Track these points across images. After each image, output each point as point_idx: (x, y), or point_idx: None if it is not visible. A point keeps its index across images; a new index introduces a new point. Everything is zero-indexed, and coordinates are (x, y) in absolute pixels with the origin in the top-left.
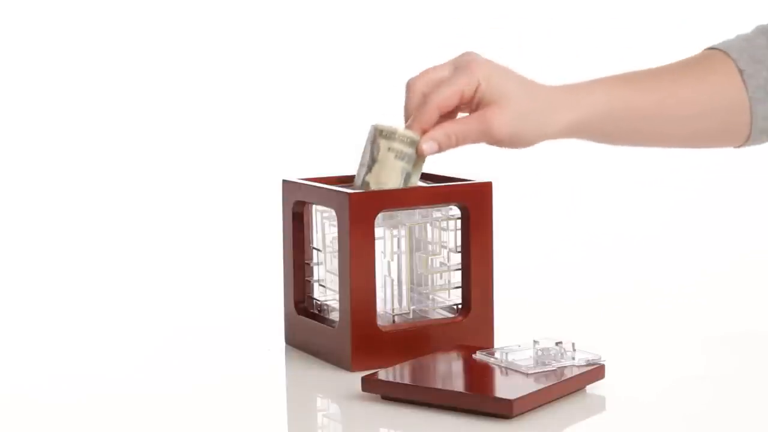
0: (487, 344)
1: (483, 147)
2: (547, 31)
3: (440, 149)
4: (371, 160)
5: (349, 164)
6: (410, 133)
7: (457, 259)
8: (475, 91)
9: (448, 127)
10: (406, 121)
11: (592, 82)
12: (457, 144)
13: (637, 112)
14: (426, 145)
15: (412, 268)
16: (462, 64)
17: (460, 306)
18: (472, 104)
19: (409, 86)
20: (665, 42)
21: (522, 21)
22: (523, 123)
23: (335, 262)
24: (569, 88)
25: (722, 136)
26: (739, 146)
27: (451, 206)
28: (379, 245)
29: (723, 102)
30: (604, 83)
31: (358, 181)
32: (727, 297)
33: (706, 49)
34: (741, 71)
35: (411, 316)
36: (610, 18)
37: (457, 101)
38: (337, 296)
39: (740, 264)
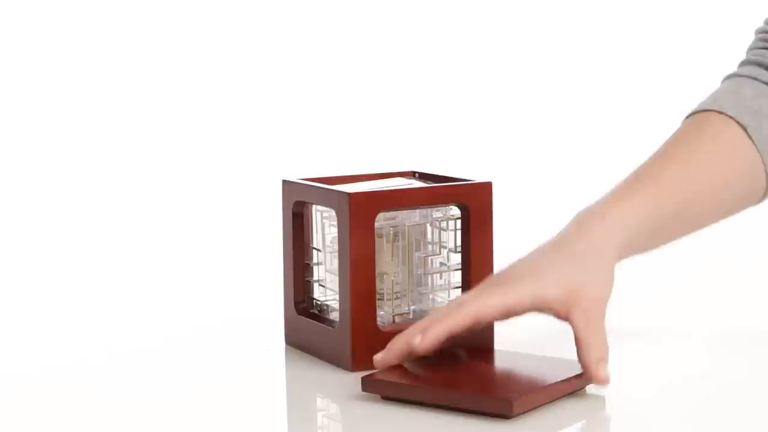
0: (487, 344)
1: (482, 147)
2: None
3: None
4: None
5: (349, 164)
6: None
7: (457, 259)
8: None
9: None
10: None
11: (616, 207)
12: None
13: (666, 220)
14: None
15: (412, 268)
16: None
17: None
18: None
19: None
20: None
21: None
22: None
23: (335, 262)
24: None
25: (746, 197)
26: (759, 201)
27: (451, 206)
28: (379, 245)
29: (740, 165)
30: (629, 202)
31: None
32: (727, 295)
33: (695, 113)
34: (745, 127)
35: (411, 316)
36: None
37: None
38: (337, 296)
39: (740, 262)
